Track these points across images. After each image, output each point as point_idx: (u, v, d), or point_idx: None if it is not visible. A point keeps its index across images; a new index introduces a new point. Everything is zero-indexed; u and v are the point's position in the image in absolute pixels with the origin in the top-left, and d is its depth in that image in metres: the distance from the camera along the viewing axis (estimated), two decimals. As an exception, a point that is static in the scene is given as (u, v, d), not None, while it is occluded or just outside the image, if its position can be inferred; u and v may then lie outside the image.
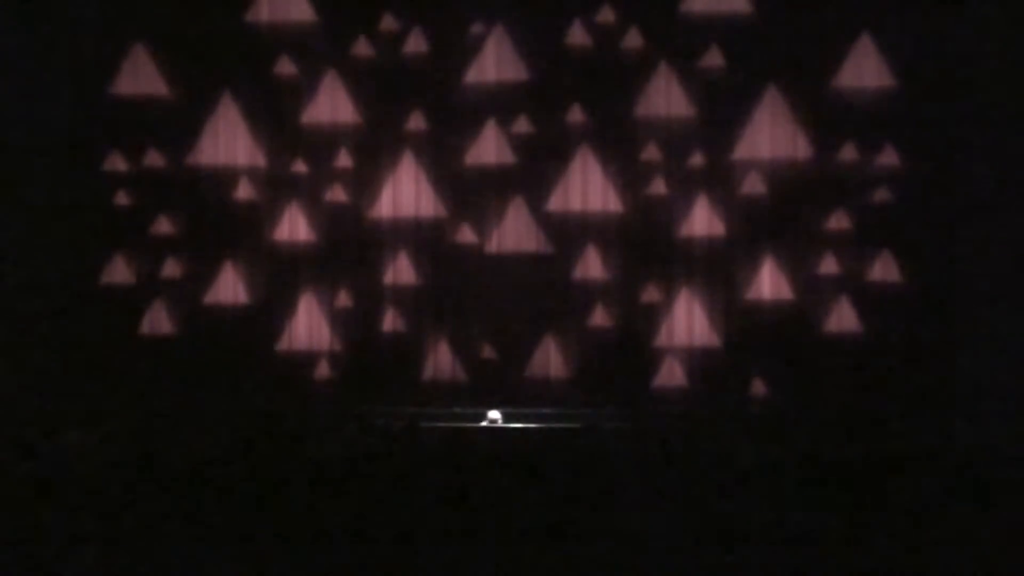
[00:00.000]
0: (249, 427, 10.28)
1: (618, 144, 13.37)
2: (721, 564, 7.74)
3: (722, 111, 13.30)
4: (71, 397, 12.77)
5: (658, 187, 13.34)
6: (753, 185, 13.28)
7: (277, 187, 13.50)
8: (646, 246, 13.38)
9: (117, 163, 13.38)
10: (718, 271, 13.30)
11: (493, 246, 13.41)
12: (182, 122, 13.45)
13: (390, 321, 13.39)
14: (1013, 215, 12.80)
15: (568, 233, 13.39)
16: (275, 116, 13.49)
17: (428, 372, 13.40)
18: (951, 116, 12.96)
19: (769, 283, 13.25)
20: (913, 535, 8.00)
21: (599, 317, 13.30)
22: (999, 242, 12.77)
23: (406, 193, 13.47)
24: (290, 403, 12.95)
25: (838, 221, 13.17)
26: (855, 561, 7.73)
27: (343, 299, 13.43)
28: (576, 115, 13.34)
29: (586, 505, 8.17)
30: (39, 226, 13.17)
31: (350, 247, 13.50)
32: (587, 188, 13.39)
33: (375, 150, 13.50)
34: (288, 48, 13.41)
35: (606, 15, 13.34)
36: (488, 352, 13.33)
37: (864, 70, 13.15)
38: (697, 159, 13.29)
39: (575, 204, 13.40)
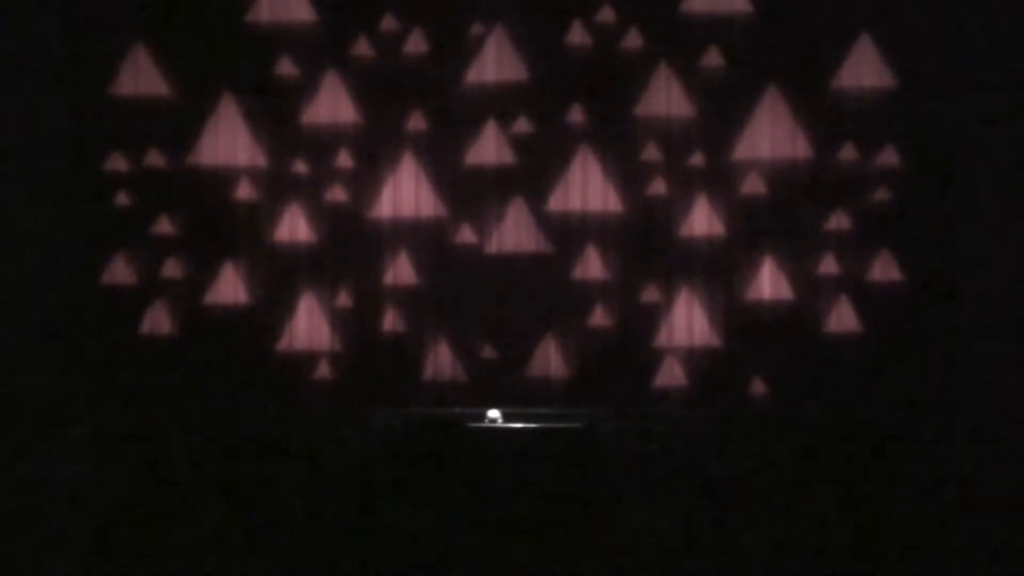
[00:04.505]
0: (249, 427, 10.30)
1: (618, 144, 13.37)
2: (721, 564, 7.75)
3: (722, 111, 13.30)
4: (71, 397, 12.77)
5: (658, 187, 13.34)
6: (753, 185, 13.28)
7: (277, 187, 13.50)
8: (646, 246, 13.38)
9: (117, 163, 13.38)
10: (718, 271, 13.30)
11: (493, 246, 13.41)
12: (182, 122, 13.45)
13: (390, 321, 13.39)
14: (1013, 215, 12.80)
15: (568, 233, 13.39)
16: (275, 116, 13.49)
17: (428, 372, 13.40)
18: (951, 116, 12.96)
19: (769, 283, 13.25)
20: (913, 535, 8.01)
21: (599, 317, 13.30)
22: (999, 241, 12.77)
23: (406, 193, 13.48)
24: (290, 403, 12.96)
25: (838, 221, 13.17)
26: (855, 561, 7.73)
27: (343, 299, 13.43)
28: (576, 115, 13.33)
29: (586, 505, 8.18)
30: (39, 226, 13.17)
31: (350, 247, 13.50)
32: (587, 188, 13.39)
33: (375, 150, 13.50)
34: (288, 48, 13.41)
35: (606, 15, 13.33)
36: (488, 352, 13.33)
37: (864, 70, 13.15)
38: (697, 159, 13.29)
39: (575, 204, 13.39)
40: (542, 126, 13.37)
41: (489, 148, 13.40)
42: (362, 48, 13.44)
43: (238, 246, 13.47)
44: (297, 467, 8.81)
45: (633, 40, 13.34)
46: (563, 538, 7.92)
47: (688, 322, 13.31)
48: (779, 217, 13.26)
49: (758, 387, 13.11)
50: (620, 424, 11.32)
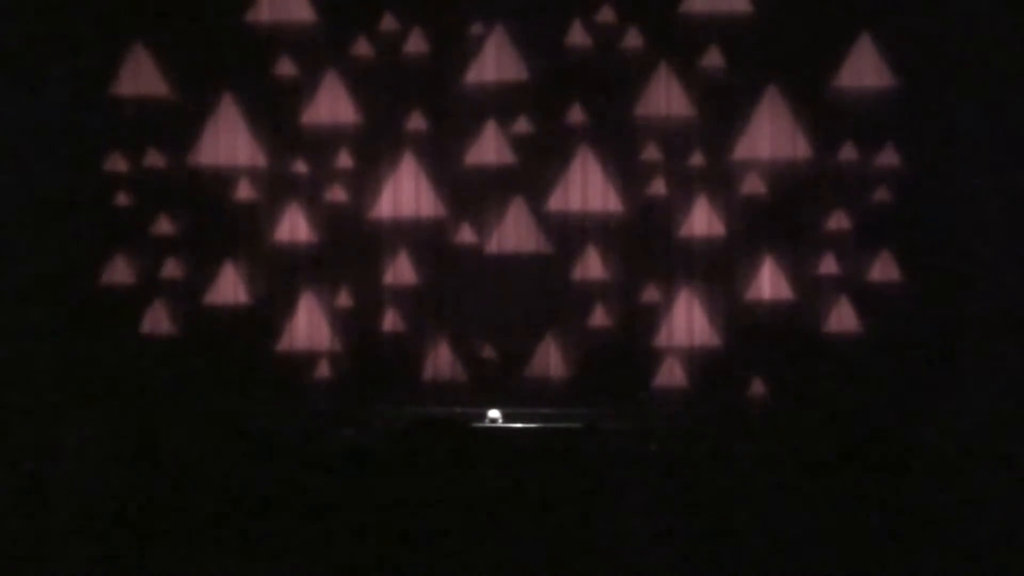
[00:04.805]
0: (249, 427, 10.30)
1: (618, 144, 13.37)
2: (721, 564, 7.75)
3: (722, 111, 13.30)
4: (71, 397, 12.77)
5: (658, 187, 13.35)
6: (753, 185, 13.28)
7: (277, 187, 13.50)
8: (646, 246, 13.38)
9: (117, 163, 13.38)
10: (718, 271, 13.30)
11: (493, 246, 13.41)
12: (182, 122, 13.45)
13: (390, 321, 13.39)
14: (1013, 215, 12.80)
15: (568, 233, 13.39)
16: (275, 116, 13.49)
17: (428, 372, 13.40)
18: (951, 116, 12.96)
19: (769, 283, 13.25)
20: (912, 535, 8.00)
21: (599, 317, 13.30)
22: (999, 242, 12.77)
23: (406, 193, 13.48)
24: (290, 403, 12.96)
25: (838, 221, 13.17)
26: (855, 561, 7.73)
27: (343, 299, 13.43)
28: (576, 115, 13.34)
29: (586, 505, 8.18)
30: (39, 226, 13.17)
31: (350, 247, 13.50)
32: (587, 188, 13.39)
33: (375, 150, 13.50)
34: (288, 48, 13.41)
35: (606, 15, 13.34)
36: (488, 352, 13.33)
37: (864, 70, 13.16)
38: (697, 159, 13.30)
39: (575, 204, 13.40)
40: (542, 126, 13.37)
41: (489, 148, 13.40)
42: (362, 48, 13.44)
43: (238, 246, 13.47)
44: (297, 466, 8.81)
45: (633, 40, 13.34)
46: (563, 538, 7.92)
47: (688, 322, 13.31)
48: (779, 217, 13.26)
49: (758, 387, 13.11)
50: (620, 424, 11.32)
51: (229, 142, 13.46)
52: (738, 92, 13.27)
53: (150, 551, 7.94)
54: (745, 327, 13.22)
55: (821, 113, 13.21)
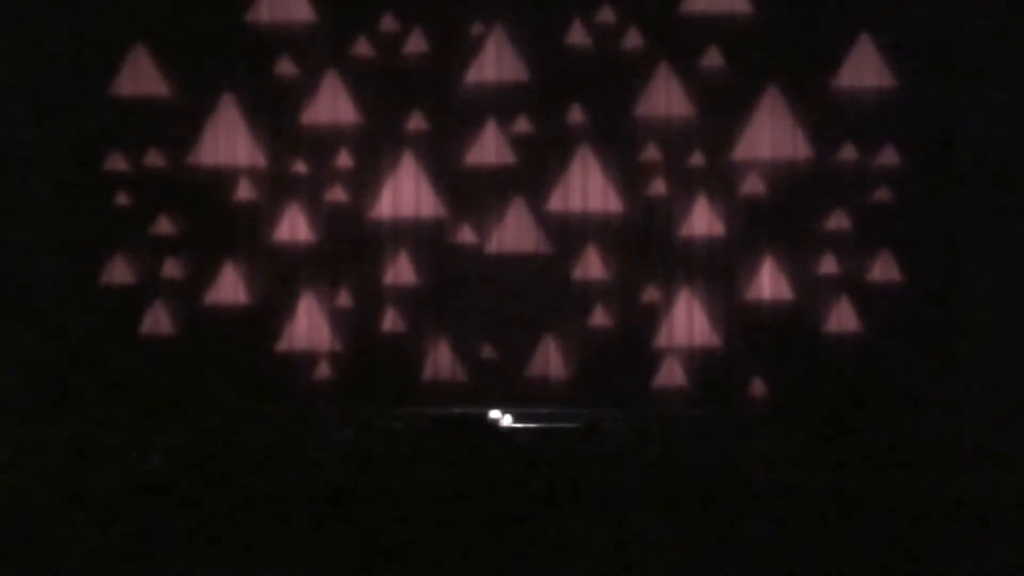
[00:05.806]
0: (249, 427, 10.30)
1: (618, 144, 13.38)
2: (720, 564, 7.75)
3: (722, 111, 13.30)
4: (71, 397, 12.77)
5: (658, 187, 13.35)
6: (753, 185, 13.28)
7: (277, 187, 13.50)
8: (646, 246, 13.39)
9: (117, 163, 13.38)
10: (718, 271, 13.31)
11: (493, 246, 13.41)
12: (182, 122, 13.45)
13: (390, 321, 13.39)
14: (1013, 214, 12.80)
15: (568, 233, 13.40)
16: (275, 116, 13.49)
17: (428, 372, 13.40)
18: (951, 116, 12.96)
19: (769, 283, 13.25)
20: (913, 535, 8.01)
21: (599, 317, 13.30)
22: (999, 242, 12.77)
23: (406, 193, 13.48)
24: (290, 403, 12.96)
25: (838, 221, 13.17)
26: (855, 562, 7.73)
27: (343, 299, 13.43)
28: (576, 115, 13.34)
29: (586, 505, 8.18)
30: (39, 226, 13.17)
31: (350, 247, 13.50)
32: (587, 188, 13.39)
33: (375, 150, 13.50)
34: (288, 48, 13.41)
35: (606, 15, 13.34)
36: (488, 352, 13.33)
37: (864, 70, 13.16)
38: (697, 159, 13.30)
39: (575, 204, 13.40)
40: (542, 126, 13.37)
41: (489, 148, 13.40)
42: (362, 48, 13.45)
43: (238, 246, 13.47)
44: (295, 466, 8.82)
45: (633, 40, 13.35)
46: (562, 538, 7.92)
47: (688, 322, 13.31)
48: (779, 217, 13.26)
49: (758, 387, 13.11)
50: (620, 424, 11.31)
51: (229, 142, 13.46)
52: (738, 92, 13.27)
53: (150, 551, 7.94)
54: (745, 327, 13.22)
55: (821, 113, 13.21)
